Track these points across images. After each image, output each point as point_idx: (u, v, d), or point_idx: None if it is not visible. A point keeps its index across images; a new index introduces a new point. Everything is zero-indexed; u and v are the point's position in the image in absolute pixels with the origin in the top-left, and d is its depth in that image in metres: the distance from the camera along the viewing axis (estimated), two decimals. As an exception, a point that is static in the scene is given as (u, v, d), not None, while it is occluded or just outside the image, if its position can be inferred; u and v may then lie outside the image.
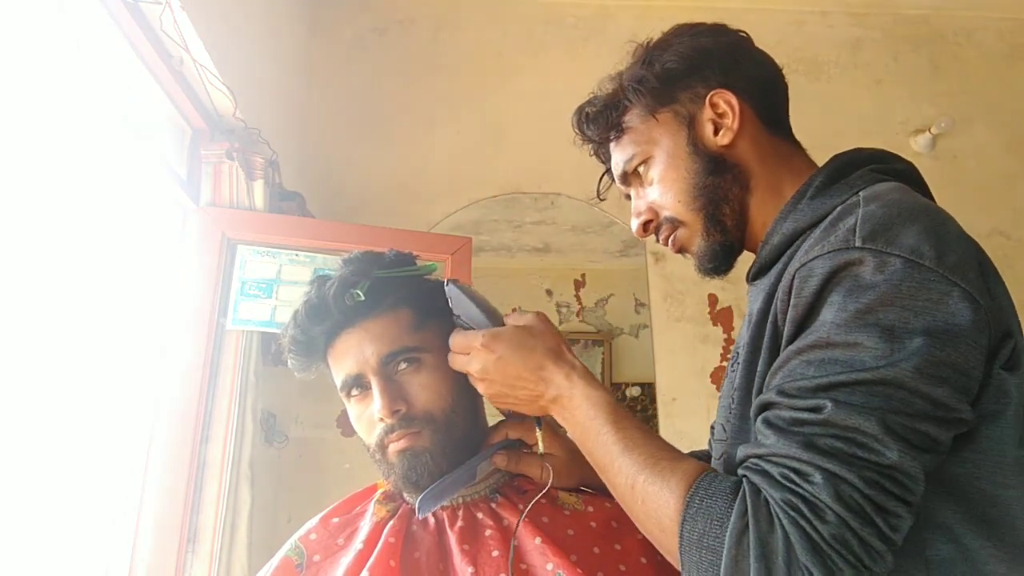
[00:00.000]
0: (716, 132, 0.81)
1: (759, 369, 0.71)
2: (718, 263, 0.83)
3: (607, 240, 2.55)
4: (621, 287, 2.60)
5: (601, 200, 0.97)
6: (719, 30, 0.87)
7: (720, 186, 0.80)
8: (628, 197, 0.91)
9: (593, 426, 0.72)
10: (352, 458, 2.08)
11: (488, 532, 0.81)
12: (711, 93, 0.81)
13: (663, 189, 0.83)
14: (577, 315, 2.58)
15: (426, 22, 2.63)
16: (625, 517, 0.87)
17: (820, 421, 0.58)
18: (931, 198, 0.77)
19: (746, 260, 0.87)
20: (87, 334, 1.40)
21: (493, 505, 0.85)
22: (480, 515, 0.84)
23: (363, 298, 0.81)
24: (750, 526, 0.58)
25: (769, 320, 0.70)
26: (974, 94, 2.70)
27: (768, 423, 0.62)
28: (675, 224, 0.84)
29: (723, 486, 0.62)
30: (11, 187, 1.18)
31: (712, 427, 0.89)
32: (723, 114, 0.81)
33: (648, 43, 0.86)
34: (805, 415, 0.60)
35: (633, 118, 0.84)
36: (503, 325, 0.80)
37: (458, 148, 2.50)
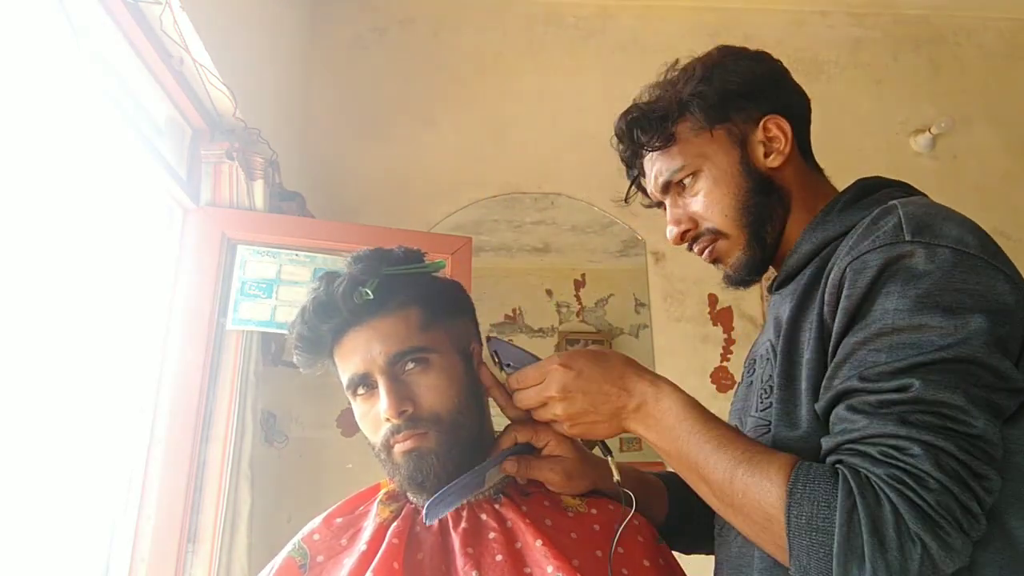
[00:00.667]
0: (767, 155, 0.86)
1: (806, 359, 0.74)
2: (753, 275, 0.89)
3: (607, 240, 2.55)
4: (621, 287, 2.60)
5: (627, 204, 0.99)
6: (765, 57, 0.91)
7: (766, 205, 0.86)
8: (656, 205, 0.94)
9: (685, 427, 0.73)
10: (353, 458, 2.08)
11: (492, 535, 0.80)
12: (766, 117, 0.86)
13: (709, 202, 0.86)
14: (577, 315, 2.57)
15: (426, 22, 2.63)
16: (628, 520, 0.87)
17: (910, 399, 0.62)
18: None
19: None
20: (87, 334, 1.40)
21: (497, 506, 0.84)
22: (484, 516, 0.83)
23: (372, 296, 0.81)
24: (858, 504, 0.60)
25: (813, 315, 0.74)
26: (974, 94, 2.70)
27: (854, 409, 0.65)
28: (716, 236, 0.88)
29: (823, 471, 0.64)
30: (11, 187, 1.18)
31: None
32: (774, 138, 0.86)
33: (700, 60, 0.90)
34: (893, 395, 0.63)
35: (686, 130, 0.87)
36: None
37: (458, 148, 2.50)
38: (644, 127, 0.88)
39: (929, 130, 2.56)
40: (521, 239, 2.60)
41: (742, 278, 0.88)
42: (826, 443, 0.67)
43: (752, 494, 0.66)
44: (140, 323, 1.61)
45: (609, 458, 0.84)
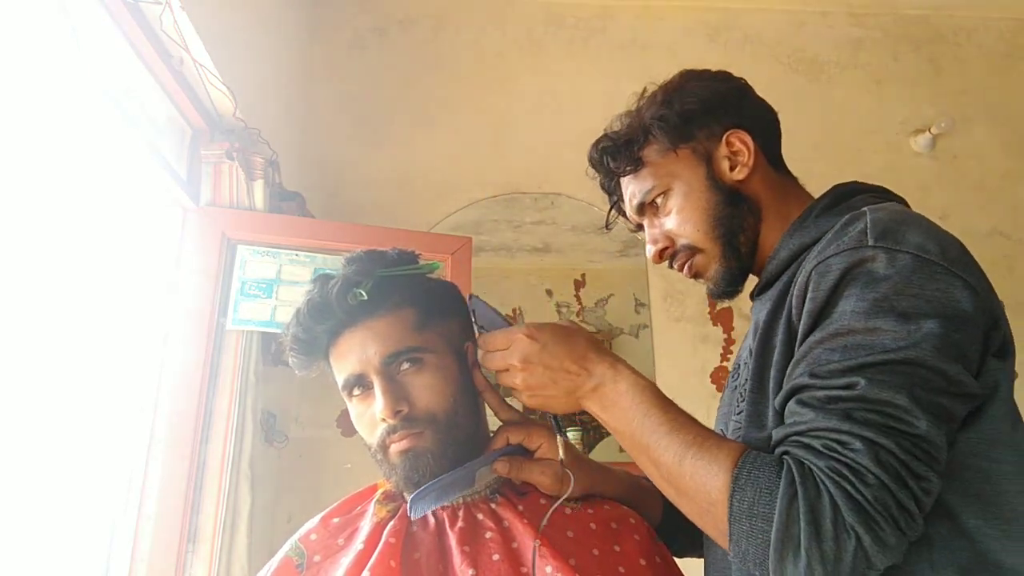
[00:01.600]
0: (732, 168, 0.89)
1: (775, 360, 0.76)
2: (734, 286, 0.91)
3: (607, 240, 2.55)
4: (621, 287, 2.60)
5: (609, 230, 1.03)
6: (726, 76, 0.95)
7: (736, 216, 0.89)
8: (638, 228, 0.97)
9: (640, 409, 0.75)
10: (353, 458, 2.07)
11: (489, 534, 0.81)
12: (727, 132, 0.89)
13: (682, 219, 0.90)
14: (577, 315, 2.57)
15: (426, 22, 2.63)
16: (625, 519, 0.88)
17: (855, 396, 0.64)
18: None
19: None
20: (87, 334, 1.40)
21: (493, 506, 0.85)
22: (480, 516, 0.83)
23: (366, 297, 0.81)
24: (799, 493, 0.62)
25: (783, 318, 0.76)
26: (974, 94, 2.70)
27: (803, 403, 0.67)
28: (692, 251, 0.91)
29: (768, 460, 0.66)
30: (11, 187, 1.18)
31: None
32: (738, 151, 0.89)
33: (663, 85, 0.94)
34: (840, 392, 0.65)
35: (652, 153, 0.91)
36: None
37: (458, 148, 2.50)
38: (613, 154, 0.93)
39: (929, 130, 2.56)
40: (521, 239, 2.60)
41: (723, 290, 0.91)
42: (776, 434, 0.70)
43: (699, 478, 0.68)
44: (140, 323, 1.61)
45: (558, 436, 0.85)
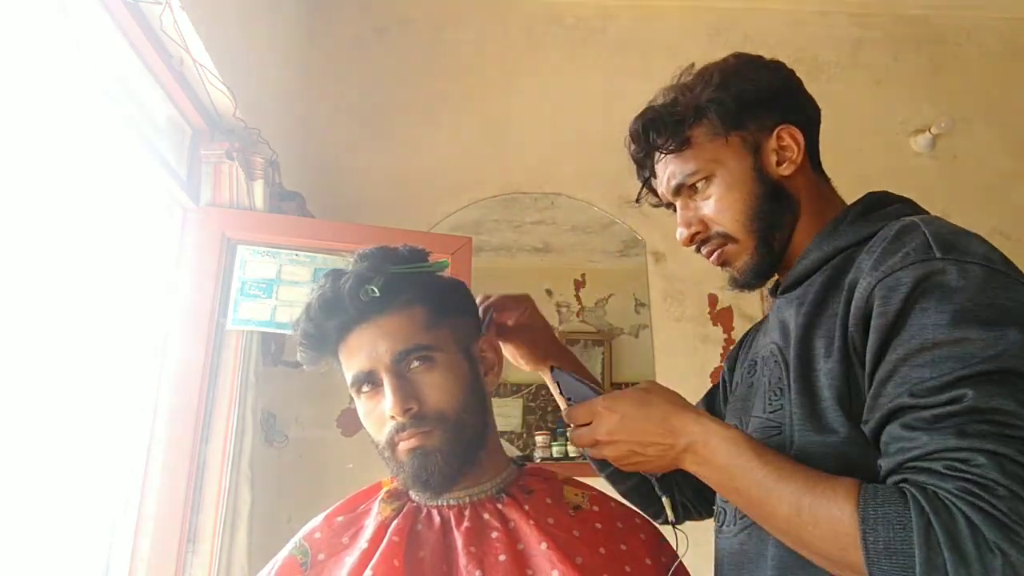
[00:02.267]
0: (779, 163, 0.88)
1: (823, 366, 0.75)
2: (759, 279, 0.90)
3: (607, 240, 2.55)
4: (621, 287, 2.60)
5: (639, 204, 1.01)
6: (780, 66, 0.93)
7: (776, 212, 0.87)
8: (667, 206, 0.96)
9: (739, 463, 0.72)
10: (353, 458, 2.08)
11: (495, 534, 0.81)
12: (779, 127, 0.87)
13: (721, 207, 0.88)
14: (577, 315, 2.57)
15: (426, 22, 2.63)
16: (630, 517, 0.88)
17: (965, 410, 0.62)
18: None
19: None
20: (87, 334, 1.40)
21: (499, 505, 0.85)
22: (487, 515, 0.83)
23: (378, 294, 0.81)
24: (932, 521, 0.60)
25: (833, 324, 0.75)
26: (974, 94, 2.70)
27: (909, 427, 0.65)
28: (726, 240, 0.89)
29: (890, 492, 0.64)
30: (11, 187, 1.18)
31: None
32: (786, 147, 0.88)
33: (715, 66, 0.91)
34: (947, 408, 0.63)
35: (701, 135, 0.89)
36: None
37: (458, 148, 2.50)
38: (659, 130, 0.90)
39: (929, 130, 2.56)
40: (521, 239, 2.60)
41: (747, 281, 0.90)
42: (886, 464, 0.67)
43: (823, 524, 0.65)
44: (140, 323, 1.61)
45: (664, 497, 0.86)
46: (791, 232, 0.88)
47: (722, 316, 2.40)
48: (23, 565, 1.19)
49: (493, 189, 2.46)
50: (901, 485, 0.64)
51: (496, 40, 2.65)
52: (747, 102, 0.87)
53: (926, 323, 0.66)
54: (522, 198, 2.48)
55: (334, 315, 0.82)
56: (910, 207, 0.85)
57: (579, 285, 2.61)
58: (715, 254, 0.91)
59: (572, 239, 2.60)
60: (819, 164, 0.93)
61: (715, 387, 1.11)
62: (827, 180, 0.93)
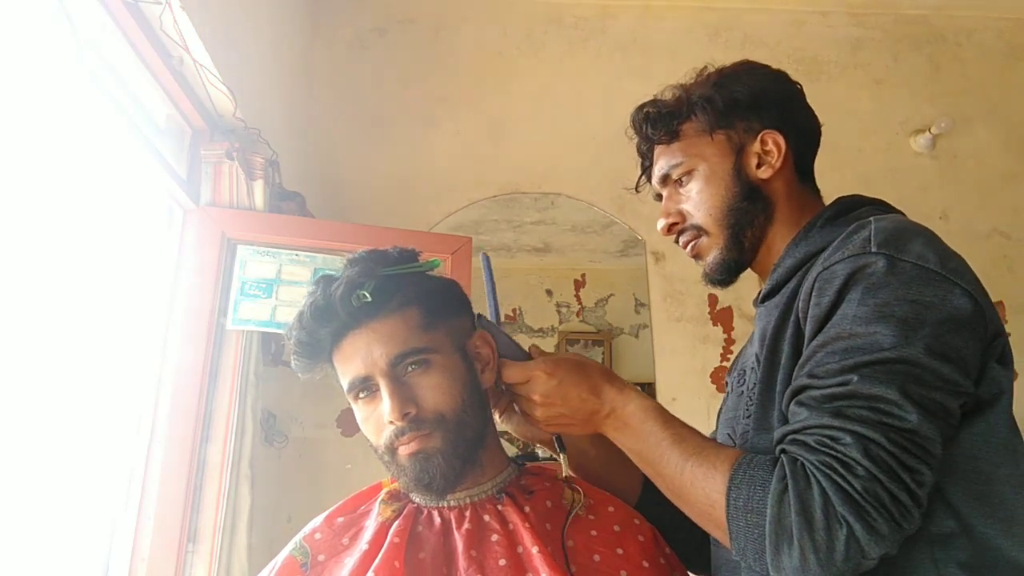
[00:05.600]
0: (759, 165, 0.91)
1: (783, 363, 0.79)
2: (727, 276, 0.94)
3: (607, 240, 2.55)
4: (621, 287, 2.60)
5: (638, 192, 1.05)
6: (783, 77, 0.97)
7: (749, 212, 0.91)
8: (657, 197, 1.00)
9: (646, 428, 0.79)
10: (353, 458, 2.08)
11: (495, 537, 0.80)
12: (764, 131, 0.91)
13: (698, 201, 0.93)
14: (577, 315, 2.57)
15: (426, 22, 2.63)
16: (629, 520, 0.88)
17: (847, 393, 0.66)
18: None
19: (748, 275, 0.96)
20: (87, 334, 1.40)
21: (499, 507, 0.84)
22: (487, 517, 0.83)
23: (370, 299, 0.80)
24: (789, 486, 0.65)
25: (791, 324, 0.79)
26: (974, 94, 2.70)
27: (801, 404, 0.70)
28: (699, 232, 0.94)
29: (763, 460, 0.69)
30: (11, 187, 1.18)
31: (713, 438, 0.93)
32: (769, 152, 0.91)
33: (719, 69, 0.96)
34: (832, 391, 0.68)
35: (690, 130, 0.94)
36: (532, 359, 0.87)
37: (458, 148, 2.50)
38: (653, 121, 0.95)
39: (929, 130, 2.56)
40: (521, 239, 2.60)
41: (716, 277, 0.95)
42: (776, 435, 0.73)
43: (700, 482, 0.72)
44: (140, 323, 1.61)
45: (562, 455, 0.89)
46: (763, 233, 0.92)
47: (722, 316, 2.40)
48: (24, 564, 1.19)
49: (493, 189, 2.46)
50: (779, 455, 0.69)
51: (496, 40, 2.64)
52: (738, 104, 0.91)
53: (848, 313, 0.70)
54: (522, 198, 2.48)
55: (327, 322, 0.81)
56: (879, 208, 0.87)
57: (579, 285, 2.61)
58: (690, 245, 0.96)
59: (572, 239, 2.60)
60: (808, 174, 0.95)
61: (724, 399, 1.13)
62: (814, 190, 0.96)
